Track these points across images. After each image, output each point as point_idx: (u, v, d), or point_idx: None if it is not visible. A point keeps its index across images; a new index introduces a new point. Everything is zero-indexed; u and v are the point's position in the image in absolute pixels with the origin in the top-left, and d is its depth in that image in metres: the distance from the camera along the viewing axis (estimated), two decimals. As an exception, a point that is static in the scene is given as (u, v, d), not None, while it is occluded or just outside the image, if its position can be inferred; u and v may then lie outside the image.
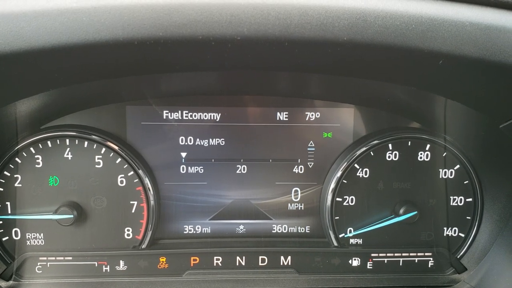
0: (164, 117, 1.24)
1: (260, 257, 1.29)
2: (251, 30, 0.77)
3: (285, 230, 1.33)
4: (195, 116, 1.24)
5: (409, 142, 1.27)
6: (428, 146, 1.27)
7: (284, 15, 0.77)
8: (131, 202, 1.24)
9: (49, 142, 1.20)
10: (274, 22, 0.77)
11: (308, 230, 1.34)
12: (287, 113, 1.26)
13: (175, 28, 0.75)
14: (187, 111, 1.24)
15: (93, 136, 1.20)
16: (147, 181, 1.23)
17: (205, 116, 1.24)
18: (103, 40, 0.77)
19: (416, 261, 1.32)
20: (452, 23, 0.81)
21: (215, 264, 1.28)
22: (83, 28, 0.75)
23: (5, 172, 1.20)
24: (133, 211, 1.25)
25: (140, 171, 1.22)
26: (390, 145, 1.26)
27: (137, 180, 1.23)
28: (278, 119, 1.26)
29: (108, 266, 1.26)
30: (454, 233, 1.32)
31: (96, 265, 1.26)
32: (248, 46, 0.80)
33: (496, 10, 0.84)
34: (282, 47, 0.80)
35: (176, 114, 1.24)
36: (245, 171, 1.28)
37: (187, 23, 0.76)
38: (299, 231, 1.33)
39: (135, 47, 0.78)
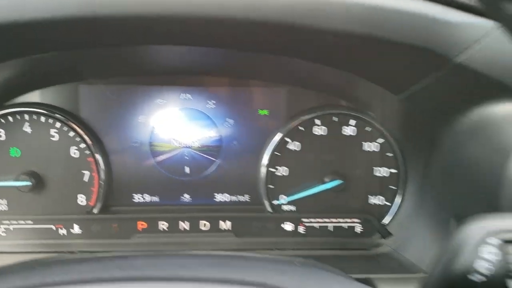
0: (115, 95, 1.38)
1: (202, 222, 1.43)
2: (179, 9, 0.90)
3: (227, 199, 1.47)
4: (144, 94, 1.39)
5: (335, 118, 1.40)
6: (353, 121, 1.40)
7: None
8: (83, 172, 1.39)
9: (10, 118, 1.35)
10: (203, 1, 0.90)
11: (248, 199, 1.47)
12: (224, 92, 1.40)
13: (109, 7, 0.89)
14: (136, 90, 1.38)
15: (49, 112, 1.35)
16: (97, 152, 1.37)
17: (151, 92, 1.39)
18: (41, 17, 0.91)
19: (345, 226, 1.45)
20: (339, 3, 0.93)
21: (161, 229, 1.42)
22: (23, 6, 0.89)
23: (-29, 145, 1.35)
24: (85, 180, 1.39)
25: (91, 144, 1.37)
26: (317, 121, 1.40)
27: (88, 152, 1.38)
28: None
29: (64, 229, 1.40)
30: (380, 201, 1.45)
31: (54, 228, 1.40)
32: (175, 23, 0.94)
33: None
34: (209, 25, 0.93)
35: (126, 92, 1.38)
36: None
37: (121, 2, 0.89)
38: (240, 200, 1.47)
39: (78, 23, 0.91)
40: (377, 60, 1.04)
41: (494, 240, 0.78)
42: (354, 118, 1.40)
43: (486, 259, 0.78)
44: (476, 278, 0.78)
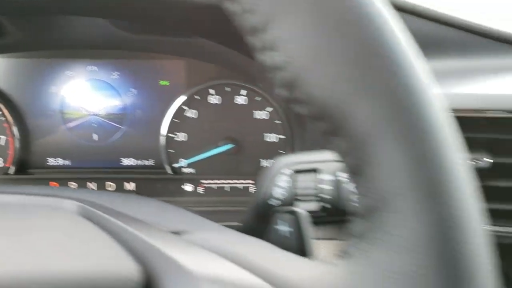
0: (28, 68, 1.53)
1: (108, 183, 1.59)
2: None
3: (133, 163, 1.62)
4: (54, 66, 1.54)
5: (228, 88, 1.56)
6: (244, 91, 1.56)
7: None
8: (0, 136, 1.54)
9: None
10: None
11: (153, 163, 1.62)
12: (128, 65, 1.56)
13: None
14: (47, 63, 1.53)
15: (-33, 82, 1.50)
16: (11, 119, 1.52)
17: (61, 65, 1.54)
18: None
19: (240, 187, 1.61)
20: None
21: (71, 188, 1.58)
22: None
23: None
24: (2, 144, 1.54)
25: (6, 111, 1.52)
26: (212, 90, 1.56)
27: (3, 118, 1.53)
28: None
29: (-16, 189, 1.55)
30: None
31: (-26, 188, 1.55)
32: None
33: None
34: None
35: (38, 65, 1.53)
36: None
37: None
38: (145, 164, 1.62)
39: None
40: (220, 27, 1.19)
41: (287, 171, 0.95)
42: (245, 88, 1.56)
43: (280, 186, 0.95)
44: (274, 202, 0.95)
